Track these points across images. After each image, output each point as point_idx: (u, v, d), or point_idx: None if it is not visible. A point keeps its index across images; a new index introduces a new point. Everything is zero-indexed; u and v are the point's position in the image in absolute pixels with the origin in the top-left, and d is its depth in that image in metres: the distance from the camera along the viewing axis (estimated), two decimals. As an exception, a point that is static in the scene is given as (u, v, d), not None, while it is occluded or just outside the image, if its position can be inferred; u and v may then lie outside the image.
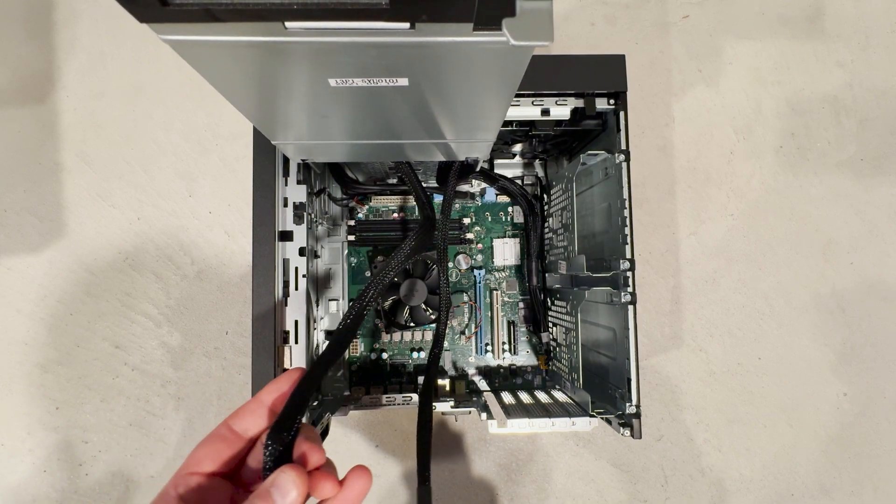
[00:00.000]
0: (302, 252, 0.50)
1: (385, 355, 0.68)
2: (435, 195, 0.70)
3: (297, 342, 0.49)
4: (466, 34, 0.22)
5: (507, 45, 0.22)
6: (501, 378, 0.70)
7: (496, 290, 0.70)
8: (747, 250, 0.76)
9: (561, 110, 0.51)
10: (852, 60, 0.79)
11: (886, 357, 0.75)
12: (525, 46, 0.22)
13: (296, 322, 0.49)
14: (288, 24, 0.21)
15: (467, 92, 0.30)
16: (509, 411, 0.54)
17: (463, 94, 0.30)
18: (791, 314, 0.75)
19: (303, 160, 0.45)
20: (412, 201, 0.70)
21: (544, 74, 0.49)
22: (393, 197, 0.70)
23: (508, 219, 0.71)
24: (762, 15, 0.79)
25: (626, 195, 0.48)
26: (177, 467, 0.68)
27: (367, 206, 0.70)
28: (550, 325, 0.69)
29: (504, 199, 0.71)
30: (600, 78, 0.49)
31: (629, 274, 0.48)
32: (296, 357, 0.49)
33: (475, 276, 0.70)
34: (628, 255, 0.48)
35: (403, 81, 0.27)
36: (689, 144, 0.77)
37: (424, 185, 0.68)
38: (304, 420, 0.31)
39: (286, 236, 0.50)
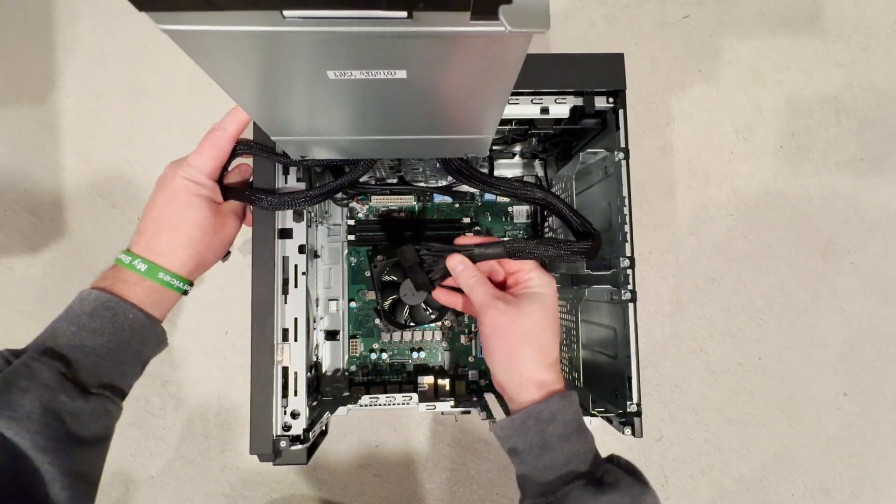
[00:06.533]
0: (301, 250, 0.50)
1: (385, 355, 0.68)
2: (436, 196, 0.70)
3: (296, 340, 0.49)
4: (464, 23, 0.22)
5: (504, 34, 0.22)
6: (501, 378, 0.69)
7: (496, 289, 0.70)
8: (747, 250, 0.76)
9: (560, 108, 0.51)
10: (852, 60, 0.79)
11: (886, 357, 0.75)
12: (522, 33, 0.22)
13: (295, 320, 0.49)
14: (286, 13, 0.21)
15: (466, 84, 0.29)
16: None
17: (461, 86, 0.30)
18: (791, 314, 0.75)
19: (302, 157, 0.45)
20: (412, 201, 0.70)
21: (543, 72, 0.49)
22: (393, 197, 0.70)
23: (508, 218, 0.71)
24: (762, 15, 0.79)
25: (625, 192, 0.48)
26: (177, 467, 0.68)
27: (367, 206, 0.70)
28: (550, 324, 0.68)
29: (504, 199, 0.71)
30: (599, 76, 0.49)
31: (629, 272, 0.48)
32: (295, 355, 0.49)
33: (475, 276, 0.70)
34: (628, 253, 0.48)
35: (402, 74, 0.27)
36: (689, 144, 0.77)
37: (426, 185, 0.69)
38: None
39: (286, 234, 0.50)
